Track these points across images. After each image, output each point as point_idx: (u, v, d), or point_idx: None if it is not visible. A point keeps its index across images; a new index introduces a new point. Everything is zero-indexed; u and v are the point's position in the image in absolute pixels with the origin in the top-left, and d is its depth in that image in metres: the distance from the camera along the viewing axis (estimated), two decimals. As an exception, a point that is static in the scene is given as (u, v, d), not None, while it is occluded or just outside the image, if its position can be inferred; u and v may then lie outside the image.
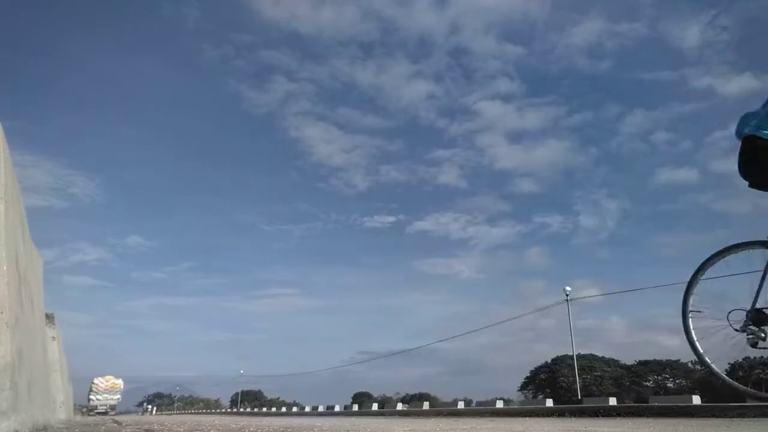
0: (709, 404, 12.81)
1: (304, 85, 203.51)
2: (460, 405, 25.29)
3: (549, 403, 21.16)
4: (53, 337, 18.35)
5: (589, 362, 51.30)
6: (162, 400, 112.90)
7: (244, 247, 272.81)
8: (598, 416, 13.33)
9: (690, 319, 3.55)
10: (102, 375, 65.59)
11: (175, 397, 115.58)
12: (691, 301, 3.59)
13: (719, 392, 45.12)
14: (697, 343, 3.57)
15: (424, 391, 72.45)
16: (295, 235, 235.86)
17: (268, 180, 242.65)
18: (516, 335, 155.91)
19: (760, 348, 3.23)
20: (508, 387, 73.72)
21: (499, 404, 23.12)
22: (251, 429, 8.24)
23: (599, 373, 50.66)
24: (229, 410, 74.77)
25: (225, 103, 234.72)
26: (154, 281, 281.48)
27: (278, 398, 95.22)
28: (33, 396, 7.25)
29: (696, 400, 15.14)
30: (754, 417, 9.19)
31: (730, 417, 9.50)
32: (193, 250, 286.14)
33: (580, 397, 25.23)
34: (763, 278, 3.21)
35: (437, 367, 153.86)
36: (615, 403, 16.45)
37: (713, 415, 10.11)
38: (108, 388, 64.37)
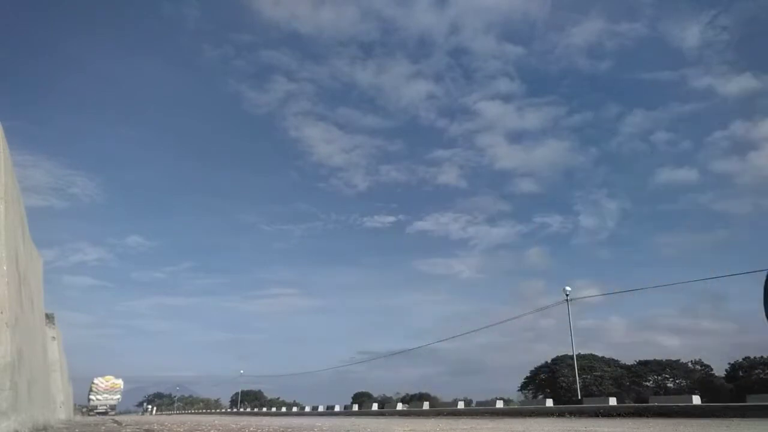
0: (709, 404, 12.81)
1: (304, 85, 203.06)
2: (460, 405, 25.27)
3: (549, 403, 21.15)
4: (53, 337, 18.35)
5: (589, 362, 51.26)
6: (162, 400, 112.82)
7: (244, 247, 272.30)
8: (598, 416, 13.33)
9: None
10: (102, 375, 65.50)
11: (175, 397, 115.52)
12: None
13: (719, 392, 45.16)
14: None
15: (424, 391, 72.39)
16: (295, 235, 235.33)
17: (268, 180, 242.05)
18: (516, 335, 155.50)
19: None
20: (508, 387, 73.64)
21: (499, 404, 23.10)
22: (251, 429, 8.24)
23: (599, 373, 50.61)
24: (229, 410, 74.75)
25: (225, 103, 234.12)
26: (154, 281, 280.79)
27: (278, 398, 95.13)
28: (33, 396, 7.25)
29: (696, 400, 15.13)
30: (754, 417, 9.19)
31: (730, 417, 9.49)
32: (193, 250, 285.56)
33: (580, 397, 25.21)
34: None
35: (437, 367, 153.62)
36: (615, 403, 16.44)
37: (713, 416, 10.11)
38: (108, 388, 64.28)
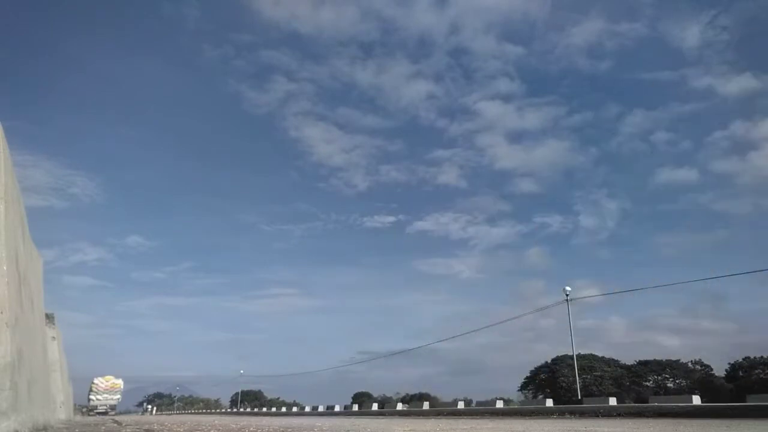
0: (709, 404, 12.82)
1: (304, 85, 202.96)
2: (460, 405, 25.29)
3: (549, 403, 21.17)
4: (53, 337, 18.36)
5: (589, 362, 51.26)
6: (162, 400, 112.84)
7: (244, 247, 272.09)
8: (598, 416, 13.33)
9: None
10: (102, 375, 65.51)
11: (175, 397, 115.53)
12: None
13: (719, 392, 45.16)
14: None
15: (424, 391, 72.36)
16: (295, 235, 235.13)
17: (268, 180, 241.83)
18: (516, 335, 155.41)
19: None
20: (508, 387, 73.62)
21: (499, 404, 23.12)
22: (251, 429, 8.24)
23: (599, 373, 50.60)
24: (229, 410, 74.77)
25: (225, 103, 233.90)
26: (154, 281, 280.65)
27: (278, 398, 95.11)
28: (33, 396, 7.25)
29: (696, 400, 15.15)
30: (753, 417, 9.19)
31: (730, 417, 9.49)
32: (193, 250, 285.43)
33: (580, 397, 25.22)
34: None
35: (437, 367, 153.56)
36: (615, 403, 16.45)
37: (713, 416, 10.11)
38: (108, 388, 64.29)
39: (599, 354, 54.57)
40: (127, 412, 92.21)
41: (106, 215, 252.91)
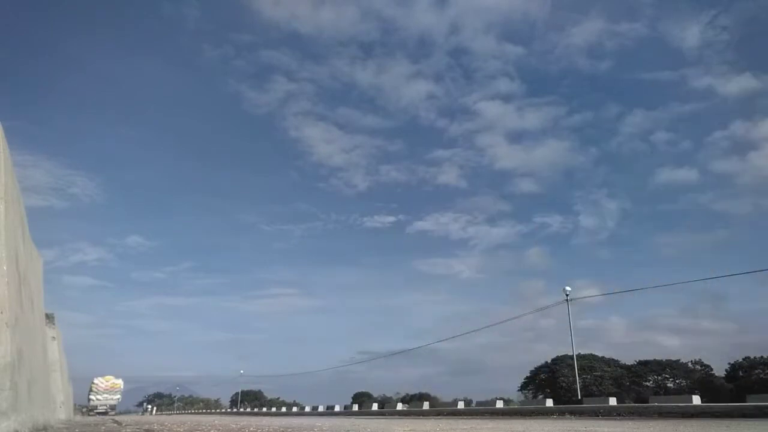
0: (709, 404, 12.81)
1: (304, 85, 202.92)
2: (460, 405, 25.29)
3: (549, 403, 21.17)
4: (53, 337, 18.36)
5: (589, 362, 51.27)
6: (162, 400, 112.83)
7: (244, 247, 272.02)
8: (598, 416, 13.34)
9: None
10: (102, 375, 65.49)
11: (175, 397, 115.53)
12: None
13: (719, 392, 45.15)
14: None
15: (424, 391, 72.36)
16: (295, 235, 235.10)
17: (268, 180, 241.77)
18: (516, 335, 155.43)
19: None
20: (508, 387, 73.62)
21: (499, 404, 23.12)
22: (251, 429, 8.24)
23: (599, 373, 50.60)
24: (229, 410, 74.78)
25: (225, 103, 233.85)
26: (154, 281, 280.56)
27: (278, 398, 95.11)
28: (33, 396, 7.26)
29: (696, 400, 15.15)
30: (753, 417, 9.19)
31: (730, 417, 9.50)
32: (193, 250, 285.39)
33: (580, 397, 25.22)
34: None
35: (437, 367, 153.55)
36: (615, 403, 16.45)
37: (713, 416, 10.11)
38: (108, 388, 64.29)
39: (599, 354, 54.61)
40: (127, 412, 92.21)
41: (106, 215, 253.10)
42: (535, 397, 48.54)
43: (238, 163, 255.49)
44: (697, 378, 50.89)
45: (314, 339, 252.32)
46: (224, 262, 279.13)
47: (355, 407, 38.81)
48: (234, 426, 8.84)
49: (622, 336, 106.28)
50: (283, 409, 52.99)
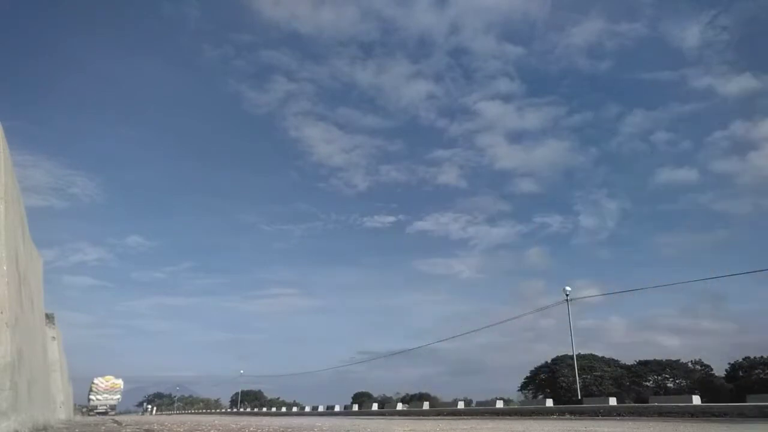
0: (708, 404, 12.82)
1: (304, 85, 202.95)
2: (460, 405, 25.30)
3: (549, 403, 21.17)
4: (53, 337, 18.36)
5: (589, 362, 51.26)
6: (162, 400, 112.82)
7: (244, 247, 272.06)
8: (597, 416, 13.34)
9: None
10: (102, 375, 65.51)
11: (175, 397, 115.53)
12: None
13: (719, 392, 45.15)
14: None
15: (424, 391, 72.35)
16: (295, 235, 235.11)
17: (268, 180, 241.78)
18: (516, 335, 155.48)
19: None
20: (508, 387, 73.63)
21: (499, 404, 23.13)
22: (251, 429, 8.24)
23: (599, 373, 50.59)
24: (229, 410, 74.78)
25: (225, 103, 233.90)
26: (154, 281, 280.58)
27: (278, 398, 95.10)
28: (33, 396, 7.26)
29: (696, 400, 15.15)
30: (753, 417, 9.19)
31: (730, 417, 9.50)
32: (193, 250, 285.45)
33: (580, 397, 25.22)
34: None
35: (437, 367, 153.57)
36: (615, 403, 16.45)
37: (713, 416, 10.11)
38: (108, 388, 64.30)
39: (599, 354, 54.60)
40: (127, 412, 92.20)
41: (106, 215, 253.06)
42: (535, 397, 48.54)
43: (238, 163, 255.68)
44: (697, 378, 50.88)
45: (314, 339, 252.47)
46: (224, 262, 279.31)
47: (355, 407, 38.81)
48: (234, 426, 8.84)
49: (622, 336, 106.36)
50: (283, 409, 53.00)
